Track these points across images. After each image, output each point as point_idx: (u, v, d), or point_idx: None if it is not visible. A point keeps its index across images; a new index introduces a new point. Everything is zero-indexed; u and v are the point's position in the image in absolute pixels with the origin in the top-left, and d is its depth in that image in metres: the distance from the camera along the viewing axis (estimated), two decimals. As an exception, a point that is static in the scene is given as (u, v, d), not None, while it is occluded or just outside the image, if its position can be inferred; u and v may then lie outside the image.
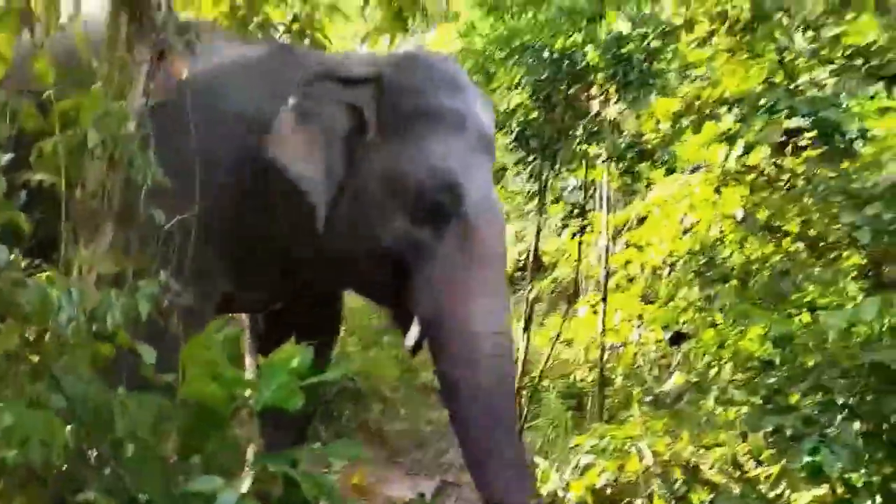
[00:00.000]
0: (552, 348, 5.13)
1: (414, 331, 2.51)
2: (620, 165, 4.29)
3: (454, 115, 2.52)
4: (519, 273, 6.77)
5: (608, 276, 5.00)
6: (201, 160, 2.25)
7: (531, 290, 4.83)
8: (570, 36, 3.84)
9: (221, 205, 2.43)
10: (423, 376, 6.25)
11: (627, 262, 4.76)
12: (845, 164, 3.47)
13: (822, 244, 3.41)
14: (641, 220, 4.98)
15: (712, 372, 3.60)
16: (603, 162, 4.31)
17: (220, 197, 2.41)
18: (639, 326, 4.78)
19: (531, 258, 5.12)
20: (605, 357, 4.98)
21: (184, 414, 1.59)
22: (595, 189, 5.30)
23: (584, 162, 4.32)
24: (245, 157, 2.49)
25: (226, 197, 2.47)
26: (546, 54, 3.94)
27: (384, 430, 5.19)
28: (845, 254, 3.24)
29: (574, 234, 4.99)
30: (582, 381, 5.46)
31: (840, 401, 3.21)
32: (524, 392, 4.77)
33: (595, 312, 5.17)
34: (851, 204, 3.03)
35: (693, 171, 4.65)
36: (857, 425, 3.32)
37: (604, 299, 4.93)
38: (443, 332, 2.40)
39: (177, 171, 2.12)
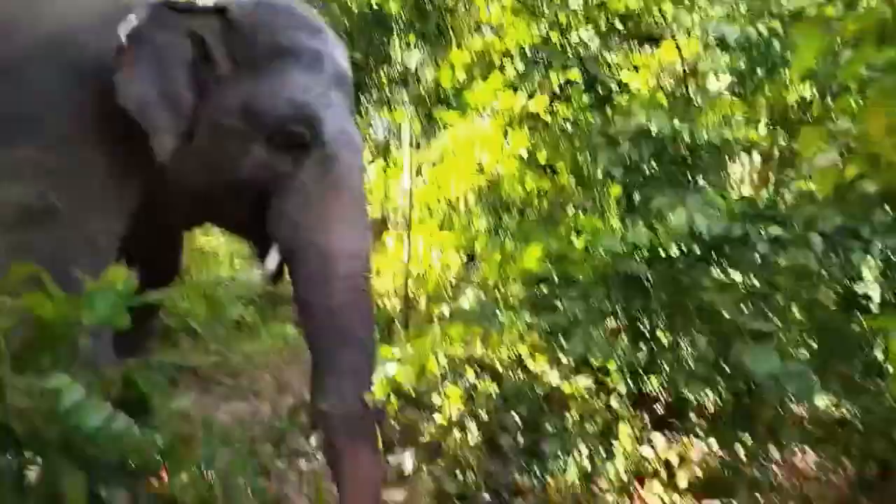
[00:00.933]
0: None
1: (273, 257, 2.58)
2: (420, 109, 4.67)
3: (312, 53, 2.60)
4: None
5: (412, 210, 5.46)
6: (49, 101, 2.27)
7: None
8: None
9: (78, 142, 2.40)
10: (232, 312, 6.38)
11: (429, 198, 5.23)
12: (607, 113, 4.16)
13: (588, 179, 4.06)
14: (441, 160, 5.47)
15: (499, 288, 4.20)
16: (405, 105, 4.66)
17: (75, 133, 2.39)
18: (439, 254, 5.31)
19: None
20: (410, 284, 5.47)
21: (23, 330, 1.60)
22: (398, 130, 5.68)
23: (388, 105, 4.64)
24: (91, 91, 2.42)
25: (80, 132, 2.43)
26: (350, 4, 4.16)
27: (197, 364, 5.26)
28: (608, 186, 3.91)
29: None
30: (390, 308, 5.89)
31: (600, 306, 3.97)
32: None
33: (400, 243, 5.62)
34: (608, 145, 3.68)
35: (484, 117, 5.20)
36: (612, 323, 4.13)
37: (408, 231, 5.40)
38: (301, 258, 2.49)
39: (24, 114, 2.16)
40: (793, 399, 3.37)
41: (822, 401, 3.74)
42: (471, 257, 4.67)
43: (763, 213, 3.30)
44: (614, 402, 4.07)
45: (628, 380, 4.04)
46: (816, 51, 1.66)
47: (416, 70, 4.52)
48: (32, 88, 2.40)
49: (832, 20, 1.64)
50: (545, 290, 4.03)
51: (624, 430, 3.80)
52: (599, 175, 4.00)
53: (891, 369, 1.40)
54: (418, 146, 5.57)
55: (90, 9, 2.59)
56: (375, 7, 4.06)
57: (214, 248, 7.96)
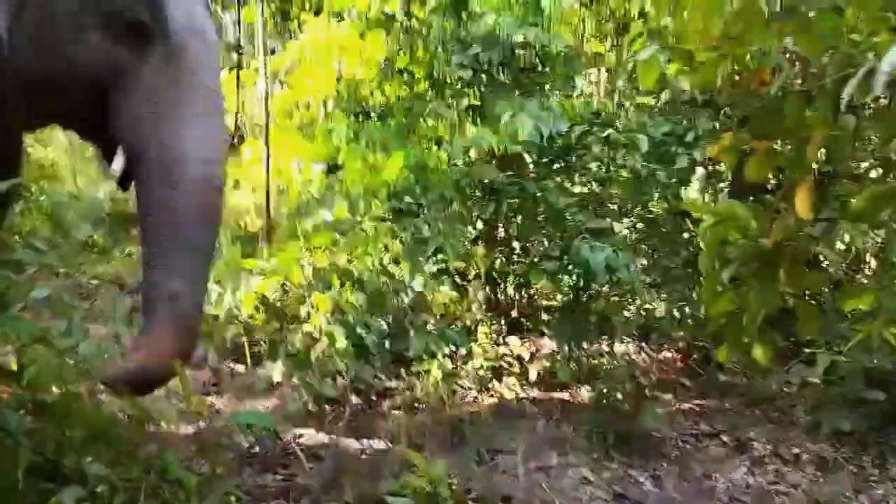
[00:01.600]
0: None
1: (118, 161, 2.34)
2: (273, 5, 4.42)
3: None
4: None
5: (268, 118, 5.25)
6: None
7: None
8: None
9: None
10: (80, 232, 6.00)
11: (286, 105, 5.04)
12: (461, 17, 4.14)
13: (444, 84, 4.07)
14: (298, 65, 5.26)
15: (362, 199, 4.21)
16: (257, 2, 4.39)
17: None
18: (300, 165, 5.20)
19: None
20: (272, 197, 5.34)
21: None
22: (250, 32, 5.37)
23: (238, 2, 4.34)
24: None
25: None
26: None
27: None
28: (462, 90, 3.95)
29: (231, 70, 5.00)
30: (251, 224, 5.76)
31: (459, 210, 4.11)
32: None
33: (258, 156, 5.43)
34: (461, 48, 3.69)
35: (340, 18, 5.02)
36: (471, 230, 4.31)
37: (266, 142, 5.21)
38: (145, 160, 2.25)
39: None
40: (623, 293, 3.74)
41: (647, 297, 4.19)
42: (331, 168, 4.60)
43: (600, 118, 3.49)
44: (474, 308, 4.33)
45: (486, 287, 4.28)
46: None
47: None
48: None
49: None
50: (407, 199, 4.10)
51: (483, 331, 4.05)
52: (452, 81, 4.00)
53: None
54: (273, 52, 5.31)
55: None
56: None
57: (55, 163, 7.37)
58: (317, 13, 4.82)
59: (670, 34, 1.73)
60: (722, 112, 3.60)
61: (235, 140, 5.70)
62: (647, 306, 4.27)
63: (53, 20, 2.24)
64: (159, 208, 2.22)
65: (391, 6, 4.48)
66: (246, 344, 3.69)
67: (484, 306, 4.18)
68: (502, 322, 4.25)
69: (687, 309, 3.97)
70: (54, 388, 1.71)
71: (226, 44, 5.76)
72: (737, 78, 1.83)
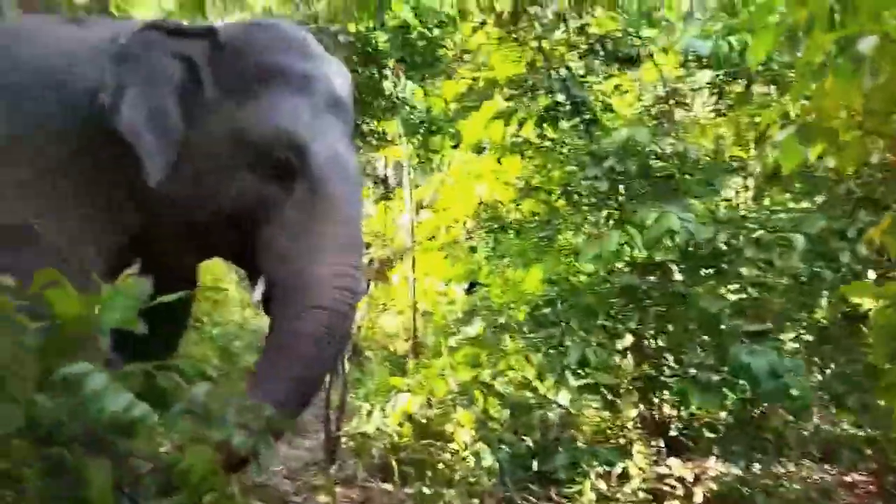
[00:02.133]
0: (369, 318, 5.51)
1: (260, 287, 2.45)
2: (415, 140, 4.76)
3: (301, 76, 2.50)
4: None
5: (414, 244, 5.53)
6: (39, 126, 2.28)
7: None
8: (362, 21, 4.19)
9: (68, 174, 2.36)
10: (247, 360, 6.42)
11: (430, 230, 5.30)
12: (592, 133, 4.25)
13: (577, 197, 4.11)
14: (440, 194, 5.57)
15: (502, 312, 4.24)
16: (399, 138, 4.76)
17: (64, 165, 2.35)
18: (444, 287, 5.36)
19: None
20: (418, 322, 5.50)
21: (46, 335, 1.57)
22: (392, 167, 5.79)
23: (382, 139, 4.71)
24: (80, 118, 2.36)
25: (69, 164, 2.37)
26: (341, 38, 4.28)
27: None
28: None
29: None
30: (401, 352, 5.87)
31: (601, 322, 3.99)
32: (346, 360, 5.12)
33: (405, 282, 5.68)
34: (595, 162, 3.75)
35: (479, 151, 5.31)
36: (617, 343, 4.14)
37: (412, 266, 5.46)
38: (281, 287, 2.36)
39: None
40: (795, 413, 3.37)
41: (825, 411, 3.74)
42: (473, 286, 4.71)
43: (748, 219, 3.33)
44: (629, 426, 4.07)
45: (638, 401, 4.04)
46: (771, 40, 1.72)
47: (408, 102, 4.62)
48: (26, 114, 2.36)
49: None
50: (547, 311, 4.06)
51: (639, 450, 3.78)
52: (588, 193, 4.03)
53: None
54: (416, 186, 5.68)
55: (85, 40, 2.54)
56: (363, 39, 4.13)
57: (226, 293, 8.05)
58: (456, 146, 5.14)
59: (808, 113, 1.67)
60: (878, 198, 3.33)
61: (382, 264, 6.03)
62: (826, 426, 3.83)
63: (209, 164, 2.44)
64: (287, 331, 2.31)
65: (525, 131, 4.69)
66: (394, 462, 3.69)
67: (638, 423, 3.93)
68: (660, 440, 3.95)
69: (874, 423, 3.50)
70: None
71: (374, 178, 6.25)
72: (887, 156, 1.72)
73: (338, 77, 2.65)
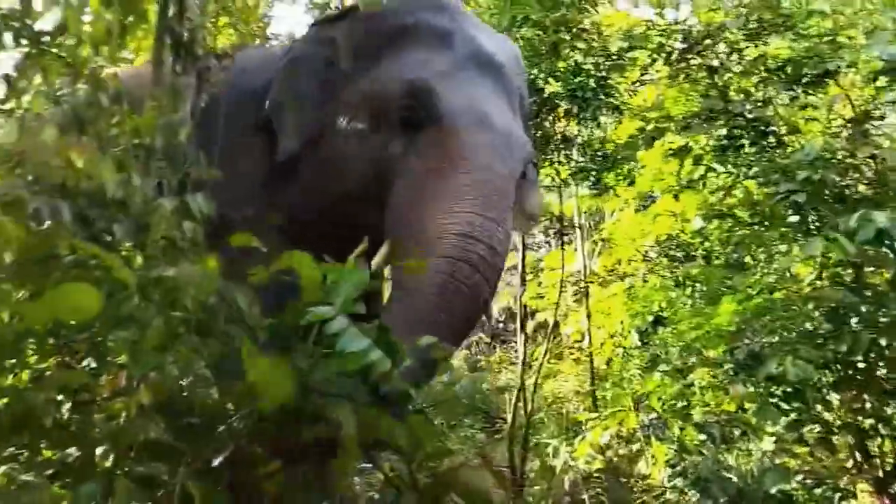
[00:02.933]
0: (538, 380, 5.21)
1: (383, 250, 2.17)
2: (589, 176, 4.79)
3: (435, 31, 2.39)
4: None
5: (588, 292, 5.47)
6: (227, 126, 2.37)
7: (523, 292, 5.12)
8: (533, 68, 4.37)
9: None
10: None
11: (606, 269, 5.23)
12: (785, 153, 4.06)
13: (766, 222, 3.91)
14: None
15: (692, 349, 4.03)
16: (572, 176, 4.81)
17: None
18: (621, 328, 5.20)
19: (520, 269, 5.40)
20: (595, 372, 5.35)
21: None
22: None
23: (557, 174, 4.78)
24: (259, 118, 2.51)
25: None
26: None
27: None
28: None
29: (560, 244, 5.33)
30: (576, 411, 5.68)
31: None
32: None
33: (581, 335, 5.60)
34: (785, 178, 3.59)
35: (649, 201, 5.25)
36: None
37: (587, 312, 5.39)
38: (404, 245, 2.08)
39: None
40: None
41: None
42: (657, 321, 4.54)
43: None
44: (848, 464, 3.65)
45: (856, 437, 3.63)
46: None
47: (580, 141, 4.71)
48: (235, 122, 2.49)
49: None
50: (746, 342, 3.81)
51: (861, 488, 3.39)
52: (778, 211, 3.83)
53: None
54: (591, 226, 5.68)
55: (275, 54, 2.79)
56: (534, 86, 4.28)
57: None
58: (631, 184, 5.10)
59: None
60: None
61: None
62: None
63: (344, 132, 2.37)
64: (407, 287, 2.02)
65: (704, 163, 4.57)
66: (586, 496, 3.58)
67: (859, 460, 3.53)
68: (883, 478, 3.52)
69: None
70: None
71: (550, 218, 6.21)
72: None
73: (490, 40, 2.50)
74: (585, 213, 5.57)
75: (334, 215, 2.40)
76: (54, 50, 2.46)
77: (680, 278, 4.11)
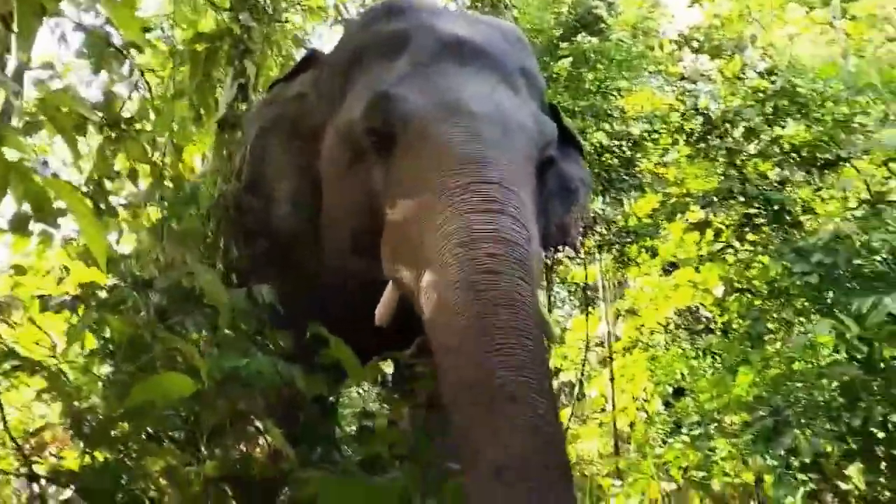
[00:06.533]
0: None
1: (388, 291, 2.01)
2: (613, 250, 5.03)
3: (391, 36, 2.16)
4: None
5: (612, 358, 5.64)
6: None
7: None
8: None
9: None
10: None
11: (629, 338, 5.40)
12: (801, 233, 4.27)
13: (783, 297, 4.10)
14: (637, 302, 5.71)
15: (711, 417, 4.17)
16: (598, 249, 5.05)
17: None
18: (644, 393, 5.34)
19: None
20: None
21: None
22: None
23: (581, 245, 5.01)
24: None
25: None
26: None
27: None
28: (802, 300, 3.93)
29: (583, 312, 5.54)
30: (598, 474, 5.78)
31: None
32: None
33: (604, 398, 5.73)
34: (801, 259, 3.79)
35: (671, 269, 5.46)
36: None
37: (611, 377, 5.54)
38: (393, 279, 1.94)
39: None
40: None
41: None
42: (677, 390, 4.70)
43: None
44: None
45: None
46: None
47: (604, 217, 4.96)
48: None
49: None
50: (763, 414, 3.94)
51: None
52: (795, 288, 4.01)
53: None
54: (610, 296, 5.88)
55: None
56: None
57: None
58: (654, 255, 5.32)
59: None
60: None
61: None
62: None
63: (332, 171, 2.26)
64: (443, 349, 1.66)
65: (723, 238, 4.79)
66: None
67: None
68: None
69: None
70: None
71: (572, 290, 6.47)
72: None
73: (471, 26, 2.24)
74: (609, 279, 5.78)
75: (359, 271, 2.17)
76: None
77: (701, 350, 4.28)
